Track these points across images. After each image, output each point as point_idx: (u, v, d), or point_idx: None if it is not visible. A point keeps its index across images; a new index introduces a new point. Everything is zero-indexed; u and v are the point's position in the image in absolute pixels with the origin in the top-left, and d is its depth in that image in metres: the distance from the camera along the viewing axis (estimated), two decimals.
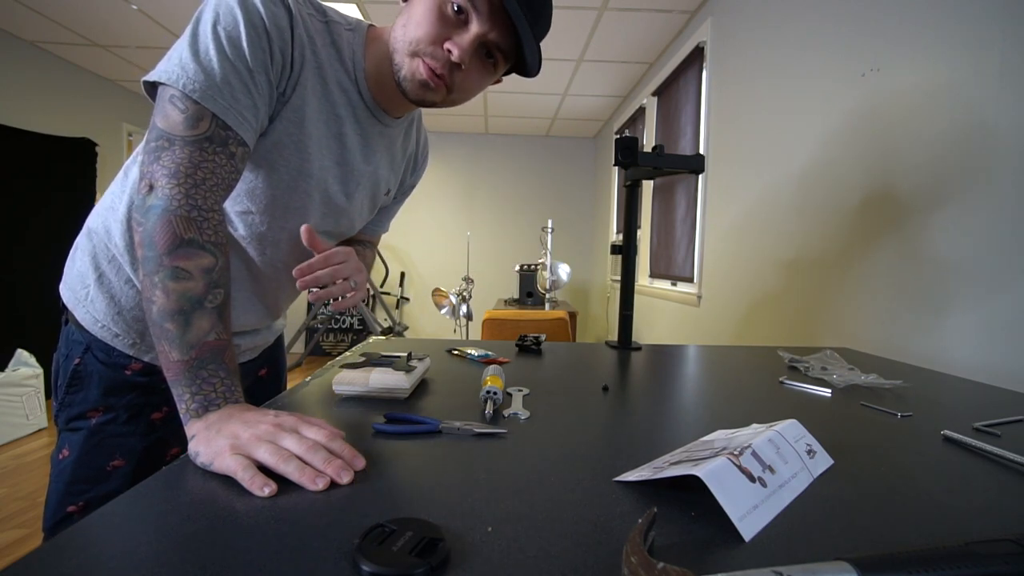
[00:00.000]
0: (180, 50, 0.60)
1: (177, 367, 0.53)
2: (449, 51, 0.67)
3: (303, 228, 0.70)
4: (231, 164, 0.62)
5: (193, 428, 0.51)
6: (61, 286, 0.78)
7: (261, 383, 0.96)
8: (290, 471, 0.45)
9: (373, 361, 0.80)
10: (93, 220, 0.77)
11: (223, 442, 0.47)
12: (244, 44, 0.61)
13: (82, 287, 0.75)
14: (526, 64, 0.71)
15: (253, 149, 0.68)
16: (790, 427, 0.53)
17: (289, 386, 0.80)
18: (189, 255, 0.56)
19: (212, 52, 0.60)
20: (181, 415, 0.53)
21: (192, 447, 0.49)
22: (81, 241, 0.78)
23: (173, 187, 0.57)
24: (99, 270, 0.75)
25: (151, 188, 0.57)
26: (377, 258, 5.35)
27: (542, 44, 0.72)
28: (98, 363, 0.76)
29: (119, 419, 0.76)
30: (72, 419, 0.76)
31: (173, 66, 0.60)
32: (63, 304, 0.78)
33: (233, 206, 0.73)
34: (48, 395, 2.91)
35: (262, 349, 0.94)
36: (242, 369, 0.77)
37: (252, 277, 0.80)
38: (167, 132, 0.59)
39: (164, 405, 0.79)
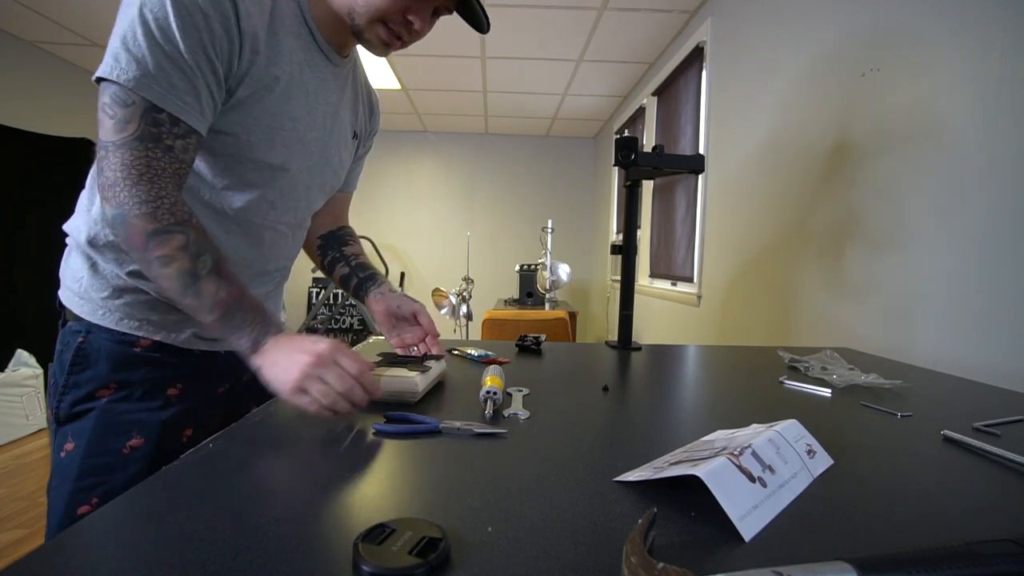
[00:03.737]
0: (112, 42, 0.60)
1: (215, 325, 0.63)
2: (411, 21, 0.74)
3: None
4: (169, 157, 0.62)
5: (255, 363, 0.63)
6: (60, 292, 0.77)
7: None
8: (330, 405, 0.59)
9: (389, 361, 0.80)
10: (72, 225, 0.76)
11: (284, 380, 0.60)
12: (174, 27, 0.60)
13: (75, 281, 0.75)
14: (479, 22, 0.79)
15: (213, 125, 0.68)
16: (790, 427, 0.53)
17: None
18: (162, 243, 0.60)
19: (141, 40, 0.59)
20: (243, 357, 0.64)
21: (263, 379, 0.62)
22: (68, 242, 0.78)
23: (119, 193, 0.60)
24: (90, 260, 0.74)
25: (105, 200, 0.61)
26: (377, 258, 5.36)
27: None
28: (105, 340, 0.73)
29: (133, 395, 0.73)
30: (79, 402, 0.72)
31: (108, 59, 0.60)
32: (60, 304, 0.77)
33: (220, 181, 0.73)
34: None
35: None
36: (233, 358, 0.75)
37: (254, 244, 0.80)
38: (103, 141, 0.61)
39: (178, 381, 0.77)
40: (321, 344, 0.61)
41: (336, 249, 1.01)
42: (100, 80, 0.61)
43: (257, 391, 0.66)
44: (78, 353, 0.73)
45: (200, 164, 0.71)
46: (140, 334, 0.75)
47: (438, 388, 0.81)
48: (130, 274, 0.73)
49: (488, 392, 0.69)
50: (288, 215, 0.82)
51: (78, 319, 0.74)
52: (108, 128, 0.60)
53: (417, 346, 0.93)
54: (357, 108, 0.92)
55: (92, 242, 0.73)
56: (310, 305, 5.22)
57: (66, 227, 0.78)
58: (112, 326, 0.74)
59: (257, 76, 0.69)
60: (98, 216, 0.72)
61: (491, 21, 0.81)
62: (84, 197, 0.77)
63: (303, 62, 0.75)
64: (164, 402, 0.75)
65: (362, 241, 5.96)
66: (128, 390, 0.74)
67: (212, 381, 0.83)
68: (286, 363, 0.60)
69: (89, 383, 0.73)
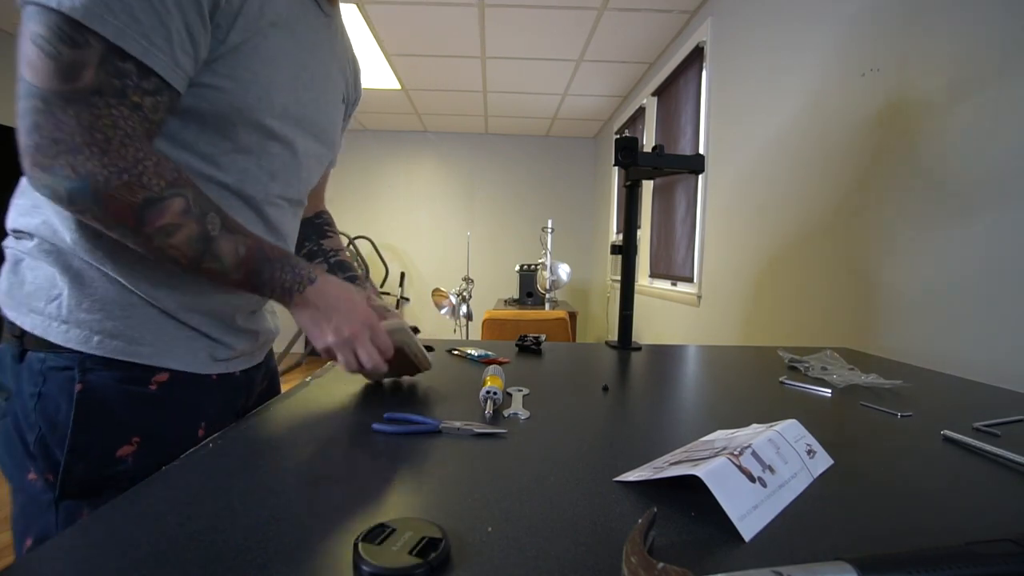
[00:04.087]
0: None
1: (242, 284, 0.58)
2: None
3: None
4: (138, 116, 0.50)
5: (297, 318, 0.63)
6: (8, 315, 0.59)
7: (261, 395, 0.85)
8: (351, 371, 0.67)
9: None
10: (32, 223, 0.58)
11: (316, 338, 0.63)
12: None
13: (48, 301, 0.57)
14: None
15: (200, 78, 0.56)
16: (790, 427, 0.53)
17: (290, 386, 0.80)
18: (160, 212, 0.51)
19: None
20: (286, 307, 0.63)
21: (298, 323, 0.63)
22: (21, 247, 0.59)
23: (82, 160, 0.47)
24: (71, 268, 0.57)
25: (46, 170, 0.46)
26: (377, 258, 5.36)
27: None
28: (110, 380, 0.58)
29: (162, 448, 0.57)
30: (95, 469, 0.56)
31: None
32: (12, 329, 0.58)
33: (210, 147, 0.61)
34: None
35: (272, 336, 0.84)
36: (245, 378, 0.75)
37: (257, 223, 0.70)
38: (38, 89, 0.46)
39: (202, 419, 0.66)
40: (358, 316, 0.63)
41: (314, 241, 0.93)
42: (27, 2, 0.46)
43: (267, 398, 0.68)
44: (81, 406, 0.56)
45: (187, 127, 0.58)
46: (154, 363, 0.60)
47: (438, 388, 0.80)
48: (134, 277, 0.59)
49: (488, 392, 0.69)
50: (289, 189, 0.72)
51: (56, 351, 0.56)
52: (47, 71, 0.45)
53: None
54: (345, 70, 0.82)
55: (81, 242, 0.57)
56: None
57: (17, 225, 0.59)
58: (118, 355, 0.58)
59: (251, 18, 0.57)
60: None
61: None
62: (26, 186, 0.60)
63: (297, 10, 0.65)
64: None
65: (362, 241, 5.93)
66: (153, 442, 0.60)
67: (231, 407, 0.72)
68: (324, 324, 0.62)
69: (106, 441, 0.57)
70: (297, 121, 0.67)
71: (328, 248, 0.94)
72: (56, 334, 0.57)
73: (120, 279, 0.59)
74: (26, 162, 0.47)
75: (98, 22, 0.46)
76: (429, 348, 0.85)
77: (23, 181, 0.58)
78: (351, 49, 0.85)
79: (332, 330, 0.63)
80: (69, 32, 0.45)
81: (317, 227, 0.95)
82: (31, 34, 0.45)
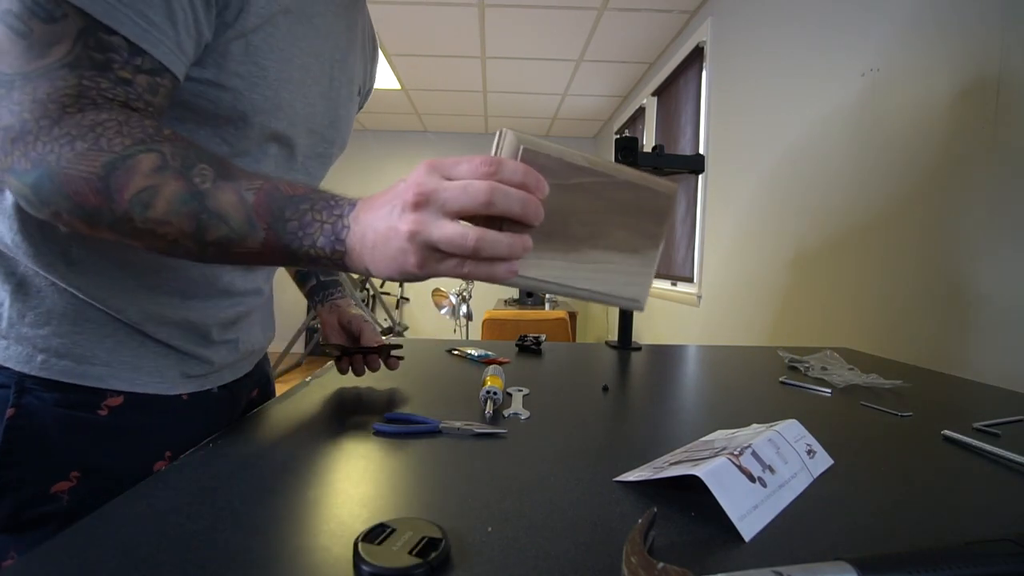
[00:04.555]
0: None
1: (271, 246, 0.41)
2: None
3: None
4: (124, 89, 0.40)
5: (351, 267, 0.41)
6: None
7: (252, 405, 0.77)
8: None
9: (343, 350, 0.81)
10: None
11: (401, 275, 0.40)
12: None
13: None
14: None
15: (201, 74, 0.47)
16: (790, 427, 0.53)
17: (290, 386, 0.80)
18: (127, 175, 0.38)
19: None
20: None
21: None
22: None
23: (33, 144, 0.38)
24: (14, 275, 0.49)
25: (5, 169, 0.38)
26: None
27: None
28: (50, 405, 0.49)
29: (106, 485, 0.47)
30: (24, 506, 0.48)
31: None
32: None
33: (222, 148, 0.53)
34: None
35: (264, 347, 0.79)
36: (226, 394, 0.67)
37: None
38: (5, 76, 0.38)
39: (166, 448, 0.56)
40: (411, 197, 0.37)
41: None
42: None
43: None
44: (11, 433, 0.48)
45: (182, 126, 0.50)
46: (107, 386, 0.52)
47: (438, 388, 0.80)
48: (89, 284, 0.51)
49: (488, 392, 0.69)
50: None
51: None
52: (14, 53, 0.38)
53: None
54: (365, 56, 0.72)
55: (23, 245, 0.49)
56: (310, 306, 5.21)
57: None
58: (64, 378, 0.50)
59: (263, 2, 0.49)
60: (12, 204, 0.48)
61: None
62: None
63: None
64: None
65: None
66: (98, 477, 0.51)
67: (208, 428, 0.60)
68: (399, 252, 0.38)
69: (38, 476, 0.49)
70: (304, 120, 0.59)
71: None
72: None
73: (71, 288, 0.50)
74: None
75: None
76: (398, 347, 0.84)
77: None
78: (370, 25, 0.74)
79: (403, 214, 0.38)
80: (47, 5, 0.37)
81: None
82: (2, 12, 0.37)
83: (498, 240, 0.37)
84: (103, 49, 0.39)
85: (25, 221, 0.48)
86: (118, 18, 0.39)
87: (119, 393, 0.53)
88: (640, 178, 0.42)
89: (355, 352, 0.80)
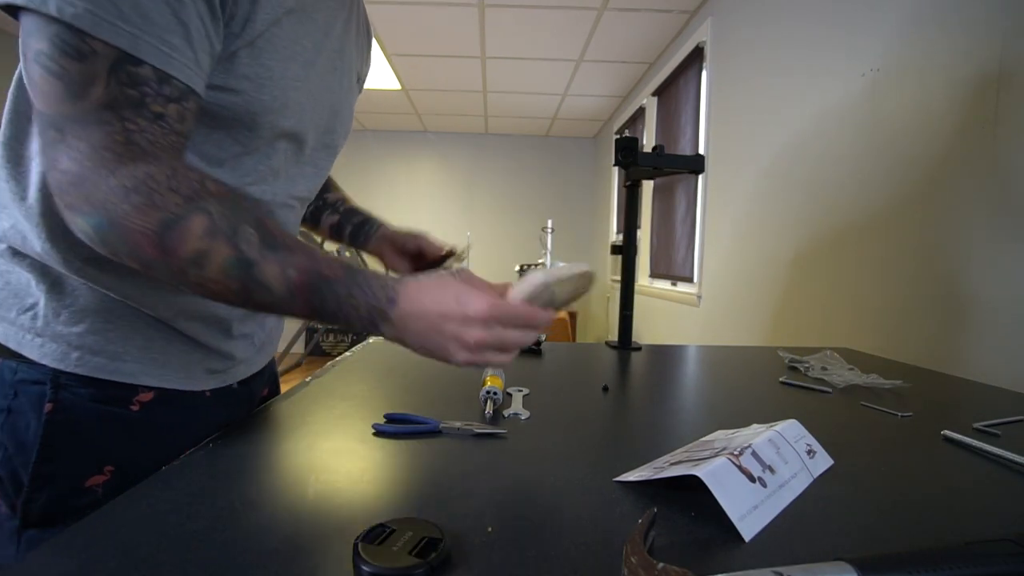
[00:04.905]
0: None
1: (303, 314, 0.46)
2: None
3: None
4: (160, 127, 0.43)
5: (388, 337, 0.48)
6: None
7: (262, 403, 0.79)
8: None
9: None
10: None
11: (458, 362, 0.49)
12: None
13: (21, 310, 0.51)
14: None
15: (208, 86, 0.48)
16: (790, 427, 0.53)
17: (290, 386, 0.80)
18: (179, 238, 0.41)
19: None
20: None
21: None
22: None
23: (95, 190, 0.40)
24: (47, 274, 0.51)
25: (72, 208, 0.41)
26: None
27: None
28: (86, 400, 0.51)
29: (139, 477, 0.49)
30: (60, 500, 0.50)
31: None
32: None
33: (228, 159, 0.55)
34: None
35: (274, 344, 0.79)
36: (244, 390, 0.68)
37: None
38: (50, 116, 0.40)
39: (190, 442, 0.56)
40: (472, 312, 0.46)
41: (318, 197, 0.87)
42: (19, 9, 0.39)
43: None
44: (50, 428, 0.50)
45: (195, 130, 0.51)
46: (139, 382, 0.54)
47: (438, 388, 0.80)
48: (121, 283, 0.52)
49: (488, 392, 0.69)
50: (298, 185, 0.64)
51: (28, 364, 0.51)
52: (55, 94, 0.40)
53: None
54: (362, 45, 0.73)
55: (52, 254, 0.50)
56: None
57: None
58: (98, 374, 0.52)
59: (271, 5, 0.50)
60: (37, 207, 0.50)
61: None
62: (5, 182, 0.51)
63: None
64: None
65: None
66: (130, 471, 0.52)
67: (223, 425, 0.63)
68: (441, 344, 0.47)
69: (74, 470, 0.51)
70: (311, 114, 0.60)
71: (333, 200, 0.90)
72: (30, 348, 0.50)
73: (102, 288, 0.52)
74: (58, 198, 0.42)
75: (107, 30, 0.39)
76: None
77: None
78: (364, 11, 0.75)
79: (457, 347, 0.47)
80: (74, 43, 0.39)
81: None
82: (34, 53, 0.39)
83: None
84: (135, 83, 0.41)
85: (53, 230, 0.50)
86: (143, 48, 0.41)
87: (150, 389, 0.55)
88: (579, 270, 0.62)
89: (428, 270, 0.79)
